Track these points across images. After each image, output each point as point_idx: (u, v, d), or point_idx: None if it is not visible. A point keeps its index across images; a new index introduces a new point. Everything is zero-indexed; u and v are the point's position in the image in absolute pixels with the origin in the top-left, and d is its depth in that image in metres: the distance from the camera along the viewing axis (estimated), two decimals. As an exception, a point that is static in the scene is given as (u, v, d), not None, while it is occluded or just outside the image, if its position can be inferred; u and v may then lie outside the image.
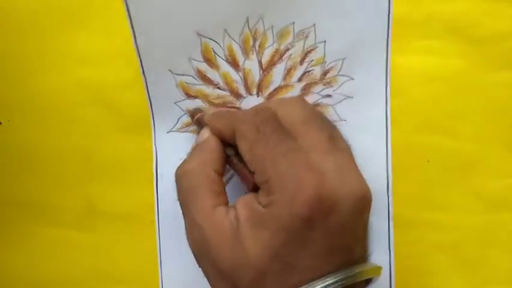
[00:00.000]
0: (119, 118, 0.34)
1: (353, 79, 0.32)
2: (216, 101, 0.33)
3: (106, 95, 0.33)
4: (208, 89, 0.33)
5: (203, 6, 0.30)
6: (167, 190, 0.34)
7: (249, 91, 0.33)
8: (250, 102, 0.33)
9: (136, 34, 0.31)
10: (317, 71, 0.32)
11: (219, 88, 0.33)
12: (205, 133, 0.30)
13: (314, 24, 0.31)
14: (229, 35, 0.31)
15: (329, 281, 0.24)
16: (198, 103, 0.33)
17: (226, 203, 0.27)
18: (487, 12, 0.31)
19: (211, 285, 0.27)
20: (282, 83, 0.32)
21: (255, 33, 0.31)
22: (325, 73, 0.32)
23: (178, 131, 0.34)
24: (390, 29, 0.31)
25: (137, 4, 0.30)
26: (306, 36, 0.31)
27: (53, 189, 0.35)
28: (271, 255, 0.24)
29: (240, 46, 0.32)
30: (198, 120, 0.32)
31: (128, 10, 0.30)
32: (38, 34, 0.33)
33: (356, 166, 0.27)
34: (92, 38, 0.33)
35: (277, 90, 0.33)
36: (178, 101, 0.33)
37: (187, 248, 0.34)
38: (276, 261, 0.24)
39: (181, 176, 0.28)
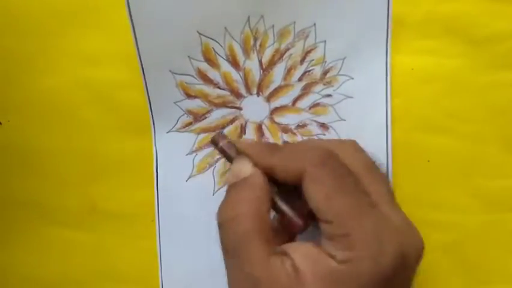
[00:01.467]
0: (120, 118, 0.34)
1: (353, 79, 0.32)
2: (216, 101, 0.33)
3: (106, 95, 0.33)
4: (208, 89, 0.33)
5: (204, 5, 0.30)
6: (168, 190, 0.34)
7: (249, 91, 0.33)
8: (251, 101, 0.33)
9: (137, 33, 0.31)
10: (317, 71, 0.32)
11: (219, 88, 0.33)
12: (246, 166, 0.27)
13: (314, 24, 0.31)
14: (230, 34, 0.31)
15: None
16: (197, 103, 0.33)
17: (275, 249, 0.25)
18: (487, 12, 0.31)
19: None
20: (282, 83, 0.32)
21: (255, 32, 0.31)
22: (325, 73, 0.32)
23: (178, 131, 0.34)
24: (389, 29, 0.31)
25: (139, 3, 0.30)
26: (307, 36, 0.31)
27: (53, 189, 0.35)
28: None
29: (241, 45, 0.32)
30: (221, 148, 0.29)
31: (129, 9, 0.30)
32: (38, 34, 0.33)
33: None
34: (92, 38, 0.32)
35: (277, 89, 0.33)
36: (178, 101, 0.33)
37: (187, 247, 0.34)
38: None
39: (227, 220, 0.25)
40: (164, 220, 0.34)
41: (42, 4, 0.32)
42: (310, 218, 0.26)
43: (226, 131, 0.33)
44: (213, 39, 0.31)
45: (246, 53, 0.32)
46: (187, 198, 0.34)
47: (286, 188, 0.27)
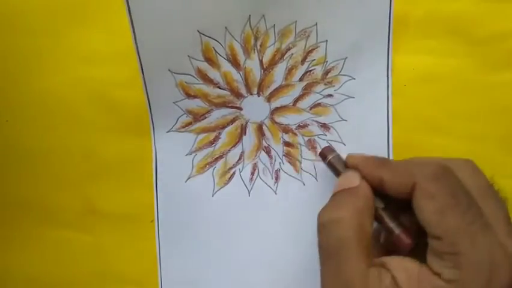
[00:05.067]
0: (119, 118, 0.33)
1: (354, 79, 0.32)
2: (216, 101, 0.33)
3: (106, 94, 0.33)
4: (208, 88, 0.33)
5: (204, 4, 0.30)
6: (167, 190, 0.34)
7: (249, 91, 0.33)
8: (251, 101, 0.33)
9: (136, 33, 0.31)
10: (318, 71, 0.32)
11: (219, 87, 0.33)
12: (355, 178, 0.27)
13: (316, 24, 0.31)
14: (230, 33, 0.31)
15: None
16: (197, 103, 0.33)
17: (373, 260, 0.25)
18: (487, 12, 0.31)
19: None
20: (283, 83, 0.32)
21: (256, 32, 0.31)
22: (326, 73, 0.32)
23: (177, 130, 0.34)
24: (391, 29, 0.31)
25: (138, 2, 0.30)
26: (308, 36, 0.31)
27: (51, 189, 0.34)
28: None
29: (241, 45, 0.31)
30: (330, 162, 0.30)
31: (128, 8, 0.30)
32: (37, 34, 0.32)
33: None
34: (92, 38, 0.32)
35: (278, 89, 0.32)
36: (177, 101, 0.33)
37: (186, 248, 0.34)
38: None
39: (329, 223, 0.25)
40: (163, 221, 0.34)
41: (41, 4, 0.32)
42: (417, 236, 0.26)
43: (226, 131, 0.33)
44: (213, 39, 0.31)
45: (247, 52, 0.32)
46: (187, 199, 0.34)
47: (392, 205, 0.27)
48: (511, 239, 0.23)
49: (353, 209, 0.25)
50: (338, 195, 0.27)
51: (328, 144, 0.32)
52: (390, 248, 0.27)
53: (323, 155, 0.30)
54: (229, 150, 0.34)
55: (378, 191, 0.27)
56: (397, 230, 0.26)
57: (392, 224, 0.26)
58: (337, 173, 0.29)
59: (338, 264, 0.24)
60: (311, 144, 0.33)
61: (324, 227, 0.25)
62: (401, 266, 0.24)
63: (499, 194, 0.26)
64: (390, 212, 0.27)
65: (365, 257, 0.24)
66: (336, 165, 0.29)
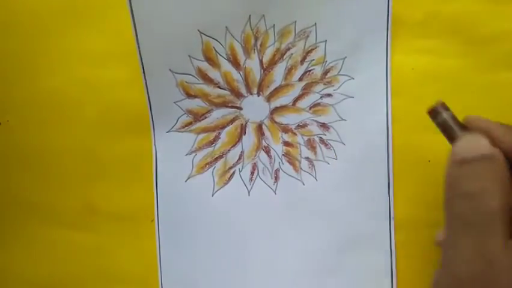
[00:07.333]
0: (119, 118, 0.33)
1: (353, 79, 0.32)
2: (216, 100, 0.33)
3: (106, 94, 0.33)
4: (208, 88, 0.33)
5: (205, 4, 0.30)
6: (167, 190, 0.34)
7: (249, 90, 0.33)
8: (251, 101, 0.33)
9: (138, 32, 0.31)
10: (318, 71, 0.32)
11: (219, 87, 0.33)
12: (485, 144, 0.24)
13: (315, 24, 0.31)
14: (230, 33, 0.31)
15: None
16: (197, 102, 0.33)
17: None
18: (487, 12, 0.31)
19: None
20: (283, 83, 0.32)
21: (256, 32, 0.31)
22: (325, 72, 0.32)
23: (177, 130, 0.34)
24: (389, 29, 0.31)
25: (140, 2, 0.30)
26: (307, 36, 0.31)
27: (52, 189, 0.35)
28: None
29: (242, 45, 0.32)
30: (445, 120, 0.26)
31: (131, 8, 0.30)
32: (37, 34, 0.33)
33: None
34: (91, 38, 0.32)
35: (277, 89, 0.33)
36: (178, 101, 0.33)
37: (186, 247, 0.34)
38: None
39: (472, 193, 0.23)
40: (163, 220, 0.34)
41: (43, 4, 0.32)
42: None
43: (226, 130, 0.33)
44: (213, 39, 0.31)
45: (247, 52, 0.32)
46: (187, 198, 0.34)
47: None
48: None
49: (497, 180, 0.23)
50: (474, 163, 0.24)
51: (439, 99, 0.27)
52: None
53: (435, 112, 0.26)
54: (229, 150, 0.34)
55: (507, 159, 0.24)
56: None
57: None
58: (450, 135, 0.25)
59: (477, 237, 0.22)
60: (311, 144, 0.33)
61: (464, 197, 0.23)
62: None
63: None
64: None
65: (507, 229, 0.22)
66: (452, 124, 0.25)
